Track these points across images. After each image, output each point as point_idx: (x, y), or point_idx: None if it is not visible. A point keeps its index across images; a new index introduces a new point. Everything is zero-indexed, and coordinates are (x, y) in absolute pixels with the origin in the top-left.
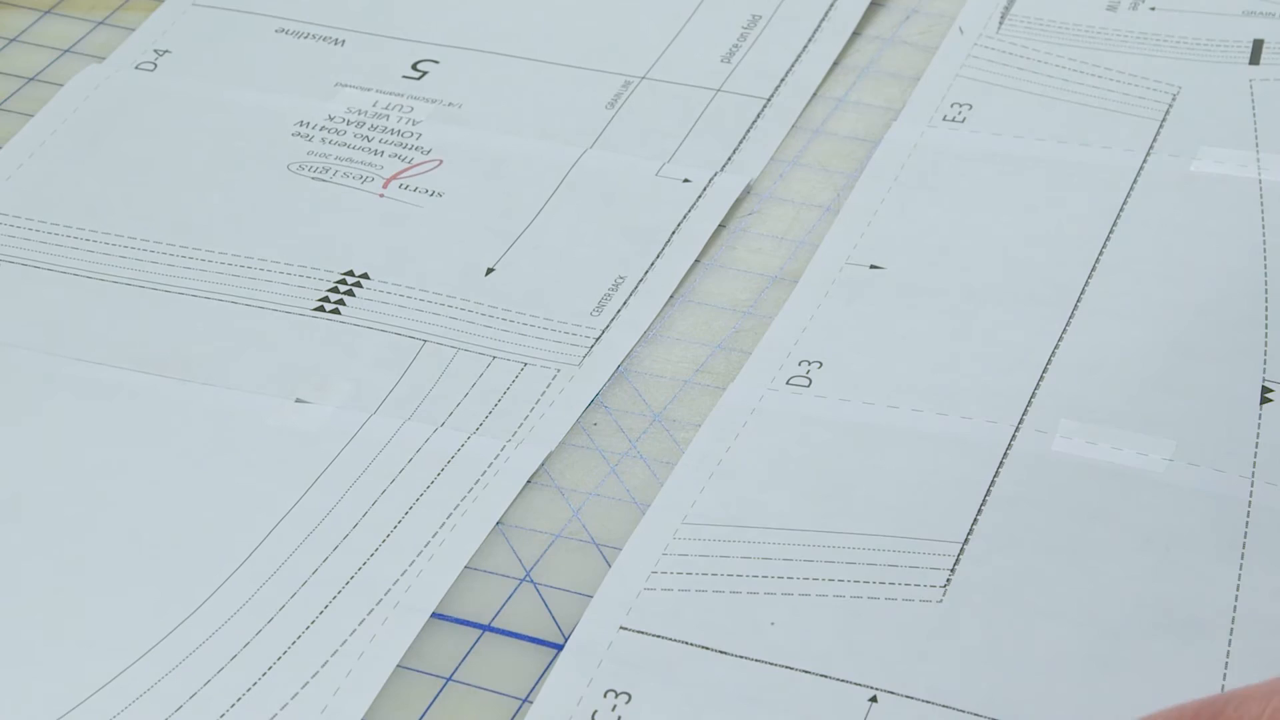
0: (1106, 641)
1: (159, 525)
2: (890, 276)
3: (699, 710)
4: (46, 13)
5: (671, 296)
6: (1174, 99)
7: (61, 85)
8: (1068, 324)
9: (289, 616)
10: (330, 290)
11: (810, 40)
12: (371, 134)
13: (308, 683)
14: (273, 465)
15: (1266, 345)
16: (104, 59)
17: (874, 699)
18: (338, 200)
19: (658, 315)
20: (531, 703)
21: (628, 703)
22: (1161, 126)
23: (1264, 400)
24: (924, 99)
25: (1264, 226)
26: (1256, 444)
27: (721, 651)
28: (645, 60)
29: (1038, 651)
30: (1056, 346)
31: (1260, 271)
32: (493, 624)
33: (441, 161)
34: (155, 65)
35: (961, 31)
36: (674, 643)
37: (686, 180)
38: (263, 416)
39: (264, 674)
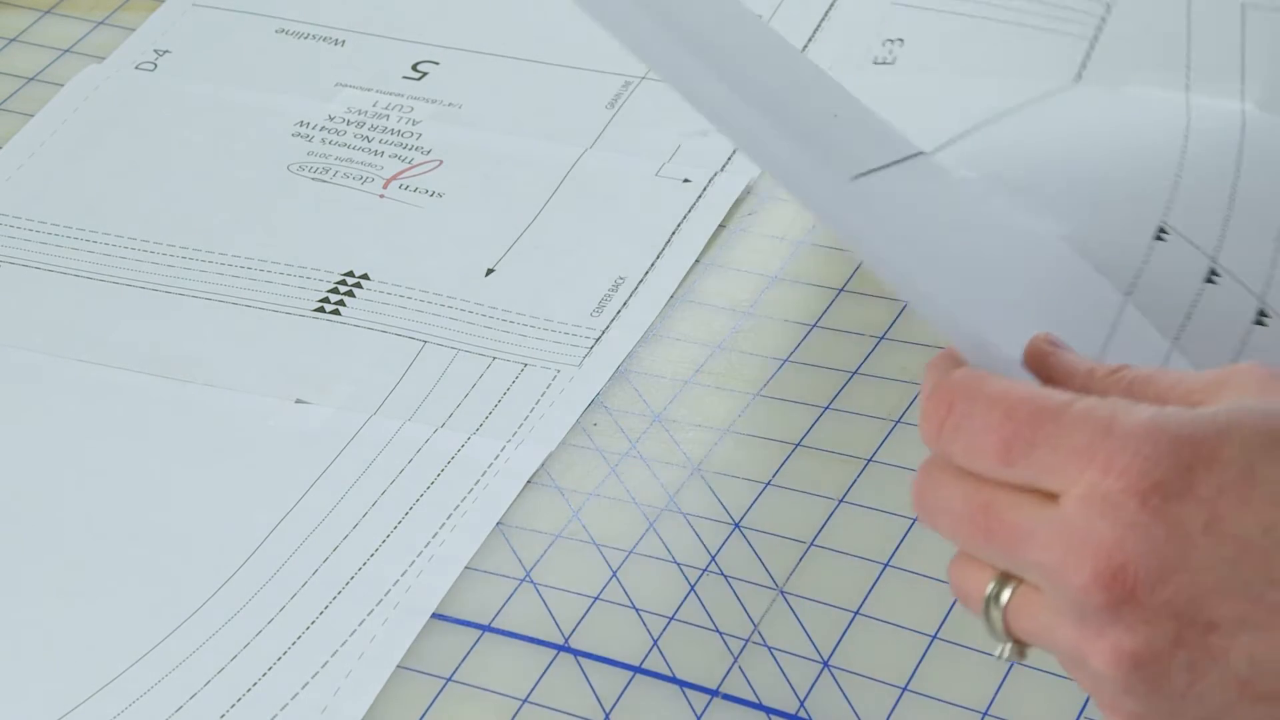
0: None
1: (159, 525)
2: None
3: None
4: (46, 13)
5: (671, 296)
6: (1109, 8)
7: (61, 85)
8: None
9: (289, 617)
10: (330, 291)
11: (810, 40)
12: (371, 134)
13: (308, 683)
14: (273, 465)
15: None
16: (104, 59)
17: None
18: (338, 201)
19: (658, 315)
20: (531, 703)
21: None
22: (1093, 46)
23: (1158, 238)
24: (854, 40)
25: (1186, 144)
26: (1140, 271)
27: None
28: None
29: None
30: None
31: (1178, 151)
32: (493, 624)
33: (441, 162)
34: (155, 65)
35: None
36: None
37: (686, 180)
38: (263, 417)
39: (264, 674)
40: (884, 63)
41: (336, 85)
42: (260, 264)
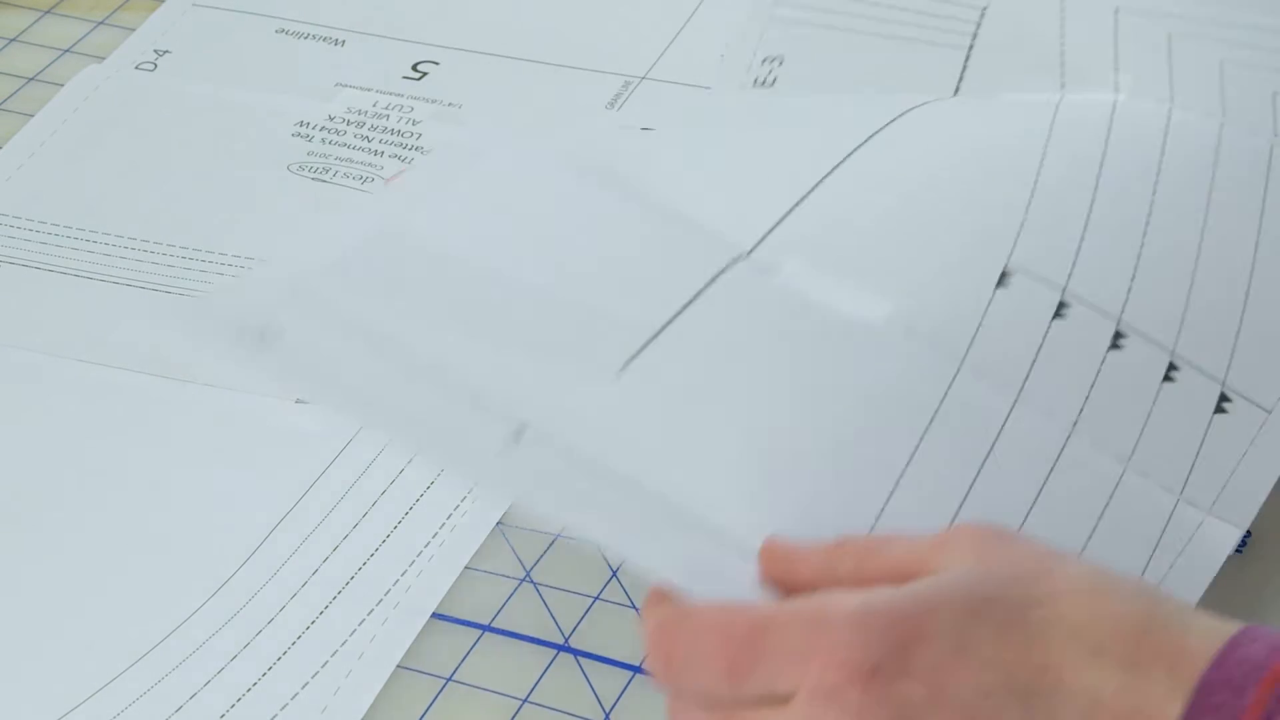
0: (775, 455)
1: (159, 525)
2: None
3: None
4: (46, 13)
5: None
6: (983, 14)
7: (61, 85)
8: (832, 171)
9: (289, 617)
10: None
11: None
12: (371, 134)
13: (308, 683)
14: (273, 465)
15: (1020, 232)
16: (104, 59)
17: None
18: (338, 200)
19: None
20: (532, 703)
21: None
22: (969, 58)
23: (1000, 285)
24: (736, 58)
25: (1051, 132)
26: (980, 324)
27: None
28: (645, 60)
29: (701, 439)
30: (815, 188)
31: (1035, 170)
32: (493, 624)
33: None
34: (155, 65)
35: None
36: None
37: None
38: (263, 417)
39: (264, 674)
40: (764, 84)
41: (336, 85)
42: (260, 263)
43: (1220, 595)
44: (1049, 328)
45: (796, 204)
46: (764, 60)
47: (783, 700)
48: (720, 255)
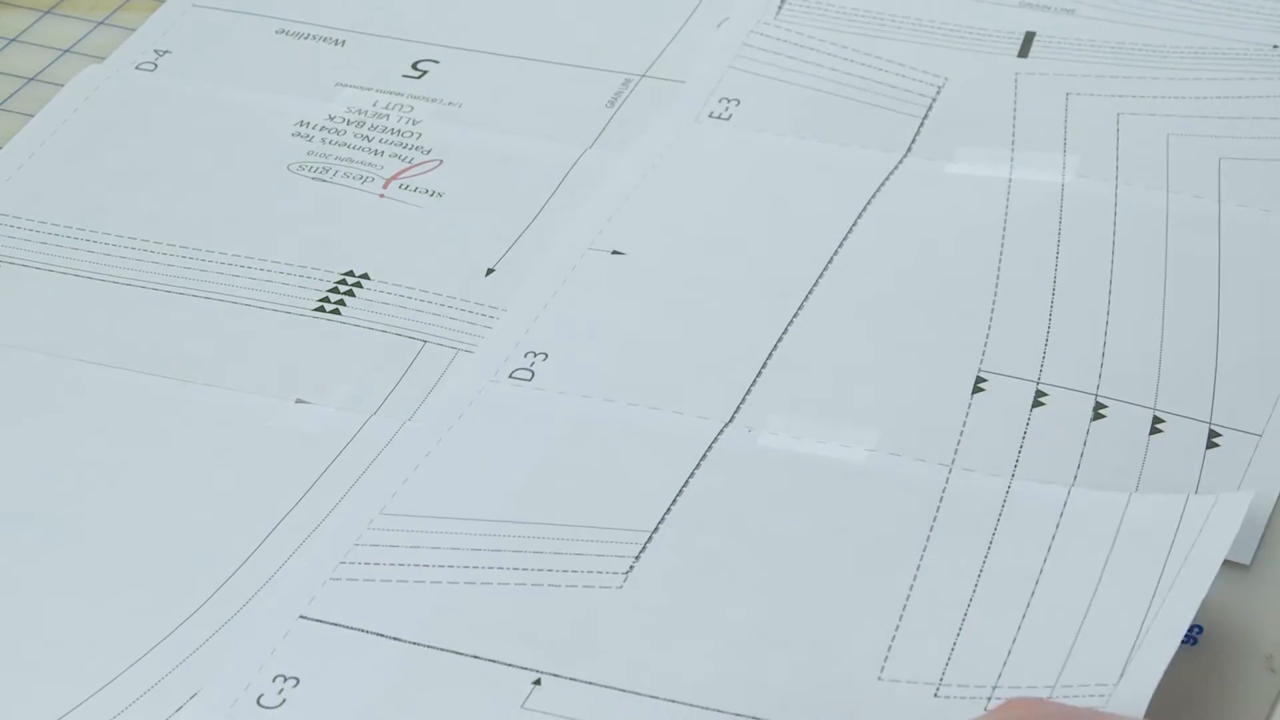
0: (780, 626)
1: (159, 525)
2: (630, 262)
3: (364, 694)
4: (46, 13)
5: None
6: (939, 91)
7: (61, 85)
8: (794, 317)
9: None
10: (330, 291)
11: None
12: (371, 134)
13: None
14: (273, 466)
15: (988, 338)
16: (104, 59)
17: (538, 681)
18: (338, 200)
19: None
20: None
21: (295, 686)
22: (923, 123)
23: (976, 390)
24: (694, 92)
25: (1005, 224)
26: (962, 432)
27: (395, 638)
28: (645, 60)
29: (710, 634)
30: (779, 340)
31: (995, 267)
32: None
33: (441, 161)
34: (155, 65)
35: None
36: (351, 630)
37: None
38: (263, 417)
39: None
40: (720, 118)
41: (336, 85)
42: (260, 264)
43: (1171, 687)
44: (1030, 416)
45: (762, 365)
46: (720, 99)
47: None
48: (701, 438)
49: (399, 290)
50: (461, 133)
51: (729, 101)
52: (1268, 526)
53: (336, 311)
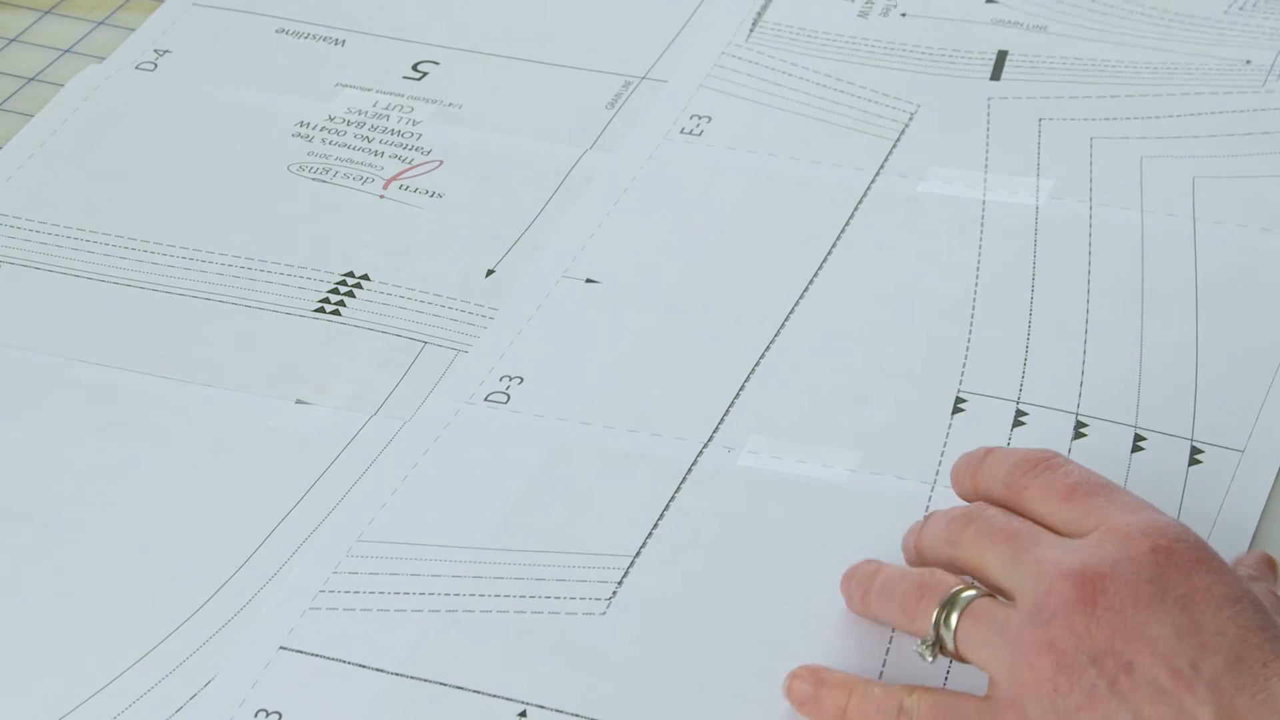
0: (765, 650)
1: (159, 525)
2: (605, 290)
3: None
4: (46, 13)
5: None
6: (911, 117)
7: (61, 85)
8: (772, 341)
9: None
10: (330, 291)
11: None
12: (372, 134)
13: None
14: (273, 466)
15: (966, 359)
16: (104, 59)
17: (523, 714)
18: (338, 201)
19: None
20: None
21: None
22: (895, 146)
23: (956, 411)
24: (664, 110)
25: (981, 246)
26: (943, 452)
27: (377, 669)
28: (645, 60)
29: (695, 661)
30: (757, 363)
31: (971, 289)
32: None
33: (441, 162)
34: (155, 65)
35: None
36: (332, 661)
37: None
38: (263, 418)
39: None
40: (691, 134)
41: (336, 85)
42: (260, 264)
43: None
44: (1011, 436)
45: (741, 386)
46: (692, 116)
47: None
48: (681, 460)
49: (399, 291)
50: (461, 133)
51: (700, 119)
52: (1251, 542)
53: (337, 312)
